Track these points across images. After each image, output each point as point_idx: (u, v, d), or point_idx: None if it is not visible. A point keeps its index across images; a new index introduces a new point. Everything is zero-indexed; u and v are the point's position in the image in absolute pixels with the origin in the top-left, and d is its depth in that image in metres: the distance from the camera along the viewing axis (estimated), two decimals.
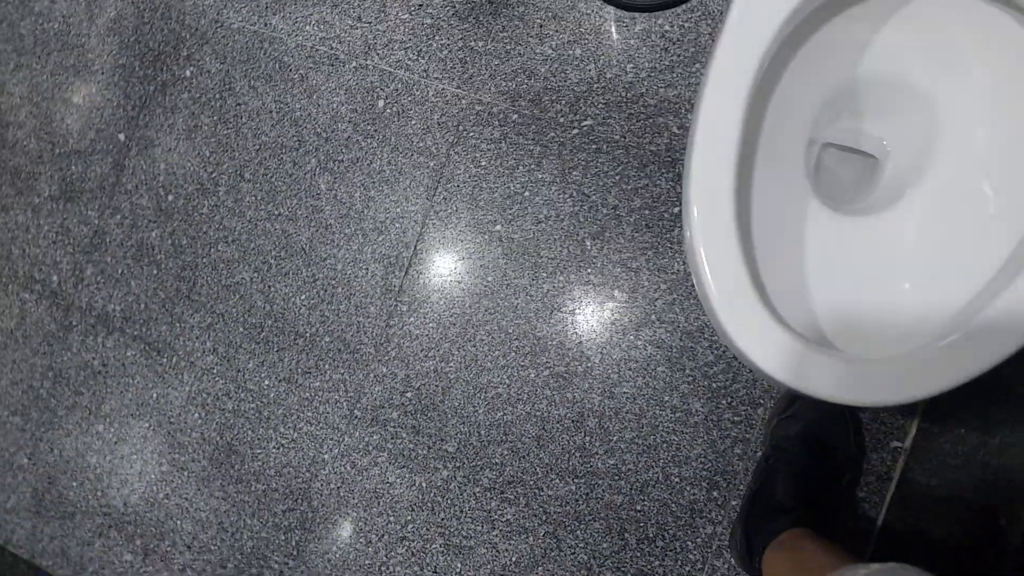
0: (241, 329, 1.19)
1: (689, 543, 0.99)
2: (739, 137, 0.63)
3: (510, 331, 1.08)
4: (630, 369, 1.03)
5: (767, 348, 0.61)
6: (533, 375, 1.07)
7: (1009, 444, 0.78)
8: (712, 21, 1.00)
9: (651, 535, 1.00)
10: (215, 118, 1.21)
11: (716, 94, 0.64)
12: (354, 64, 1.14)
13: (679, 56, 1.02)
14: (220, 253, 1.20)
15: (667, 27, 1.02)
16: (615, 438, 1.02)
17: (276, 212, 1.18)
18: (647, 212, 1.03)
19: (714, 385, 0.99)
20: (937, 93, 0.71)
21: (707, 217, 0.63)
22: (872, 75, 0.73)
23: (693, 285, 0.95)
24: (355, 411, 1.13)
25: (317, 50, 1.16)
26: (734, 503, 0.97)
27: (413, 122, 1.11)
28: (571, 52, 1.06)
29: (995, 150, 0.68)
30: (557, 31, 1.06)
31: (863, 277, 0.71)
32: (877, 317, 0.69)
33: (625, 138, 1.03)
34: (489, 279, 1.09)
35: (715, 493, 0.98)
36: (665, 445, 1.00)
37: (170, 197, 1.23)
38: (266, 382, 1.17)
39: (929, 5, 0.67)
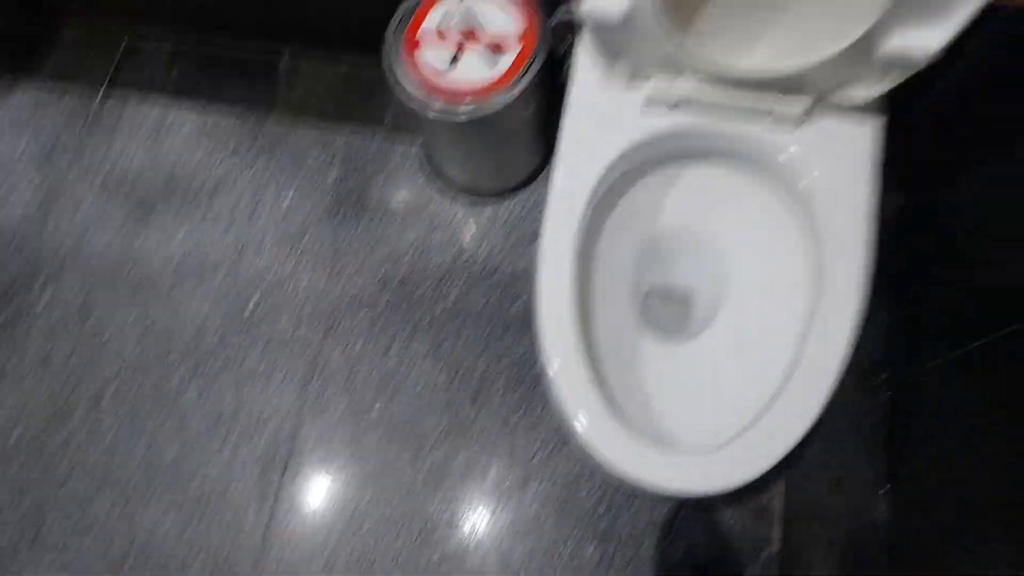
0: (99, 568, 1.07)
1: None
2: (573, 297, 0.74)
3: (398, 515, 1.05)
4: (521, 529, 1.02)
5: (636, 465, 0.67)
6: (426, 558, 1.03)
7: (851, 530, 0.88)
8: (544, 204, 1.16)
9: None
10: (72, 344, 1.19)
11: (548, 264, 0.75)
12: (224, 268, 1.19)
13: (523, 234, 1.16)
14: (74, 487, 1.11)
15: (512, 209, 1.18)
16: None
17: (140, 430, 1.13)
18: (515, 371, 1.09)
19: (601, 527, 1.00)
20: (718, 237, 0.87)
21: (563, 366, 0.71)
22: (669, 230, 0.88)
23: (565, 434, 1.00)
24: None
25: (186, 260, 1.20)
26: None
27: (285, 317, 1.15)
28: (432, 238, 1.17)
29: (767, 275, 0.82)
30: (418, 222, 1.19)
31: (694, 389, 0.81)
32: (707, 419, 0.77)
33: (487, 308, 1.13)
34: (371, 463, 1.08)
35: None
36: None
37: (15, 434, 1.15)
38: None
39: (695, 175, 0.85)
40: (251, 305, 1.17)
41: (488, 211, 1.18)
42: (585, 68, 0.81)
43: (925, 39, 0.63)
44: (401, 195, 1.20)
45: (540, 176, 1.18)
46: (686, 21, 0.73)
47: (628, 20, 0.69)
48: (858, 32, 0.64)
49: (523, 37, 0.96)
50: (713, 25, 0.72)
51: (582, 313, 0.75)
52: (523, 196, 1.18)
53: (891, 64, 0.66)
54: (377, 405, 1.10)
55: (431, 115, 0.95)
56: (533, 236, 1.16)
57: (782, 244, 0.81)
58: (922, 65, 0.65)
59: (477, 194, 1.18)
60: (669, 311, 0.95)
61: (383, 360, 1.12)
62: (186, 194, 1.24)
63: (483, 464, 1.06)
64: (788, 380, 0.69)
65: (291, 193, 1.22)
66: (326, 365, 1.13)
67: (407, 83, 0.96)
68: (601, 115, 0.80)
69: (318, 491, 1.07)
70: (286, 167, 1.24)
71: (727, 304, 0.85)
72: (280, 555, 1.04)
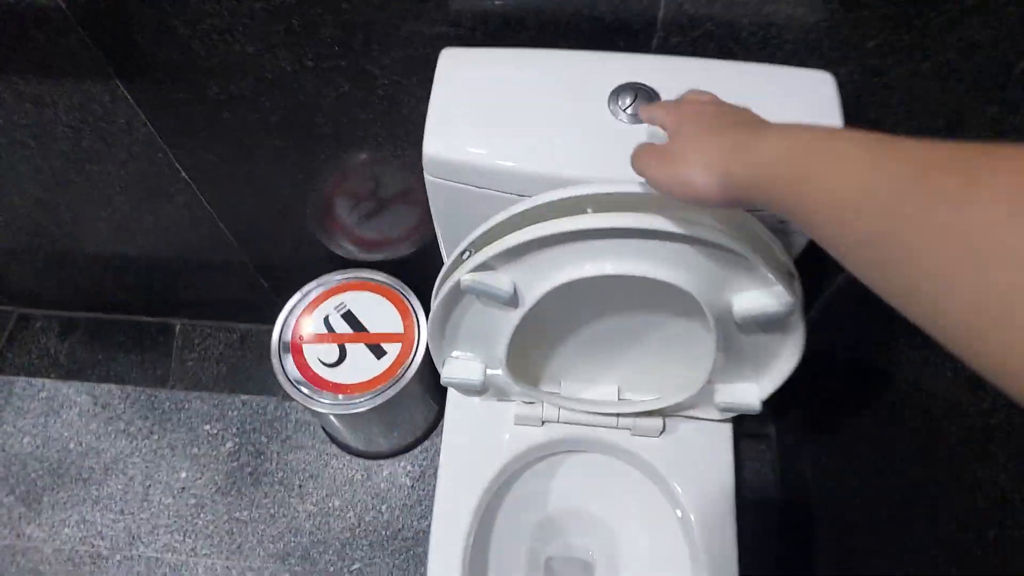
0: None
1: None
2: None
3: None
4: None
5: None
6: None
7: None
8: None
9: None
10: None
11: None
12: (118, 557, 1.16)
13: (424, 490, 1.19)
14: None
15: (409, 467, 1.21)
16: None
17: None
18: None
19: None
20: (607, 517, 0.92)
21: None
22: (560, 509, 0.94)
23: None
24: None
25: (77, 551, 1.16)
26: None
27: None
28: (331, 504, 1.18)
29: (656, 554, 0.88)
30: (316, 488, 1.19)
31: None
32: None
33: (394, 573, 1.13)
34: None
35: None
36: None
37: None
38: None
39: (578, 462, 0.91)
40: None
41: (386, 471, 1.20)
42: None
43: (749, 397, 0.72)
44: (297, 463, 1.21)
45: (435, 431, 1.23)
46: (537, 371, 0.80)
47: (486, 384, 0.76)
48: (693, 390, 0.73)
49: (404, 331, 1.02)
50: (561, 367, 0.80)
51: None
52: (420, 452, 1.22)
53: (727, 410, 0.75)
54: None
55: (319, 409, 0.99)
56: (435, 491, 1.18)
57: (661, 523, 0.87)
58: (755, 412, 0.74)
59: (374, 457, 1.21)
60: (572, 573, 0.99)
61: None
62: (77, 478, 1.21)
63: None
64: None
65: (184, 471, 1.21)
66: None
67: (295, 379, 1.00)
68: (477, 431, 0.85)
69: None
70: (179, 442, 1.23)
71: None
72: None
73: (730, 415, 0.79)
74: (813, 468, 1.06)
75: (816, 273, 0.95)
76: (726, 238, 0.53)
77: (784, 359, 0.68)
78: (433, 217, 0.70)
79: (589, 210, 0.54)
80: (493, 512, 0.89)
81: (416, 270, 1.06)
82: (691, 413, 0.82)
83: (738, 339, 0.66)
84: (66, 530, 1.18)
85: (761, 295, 0.58)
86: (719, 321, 0.62)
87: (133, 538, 1.17)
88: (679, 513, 0.83)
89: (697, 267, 0.57)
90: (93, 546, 1.17)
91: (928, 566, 0.73)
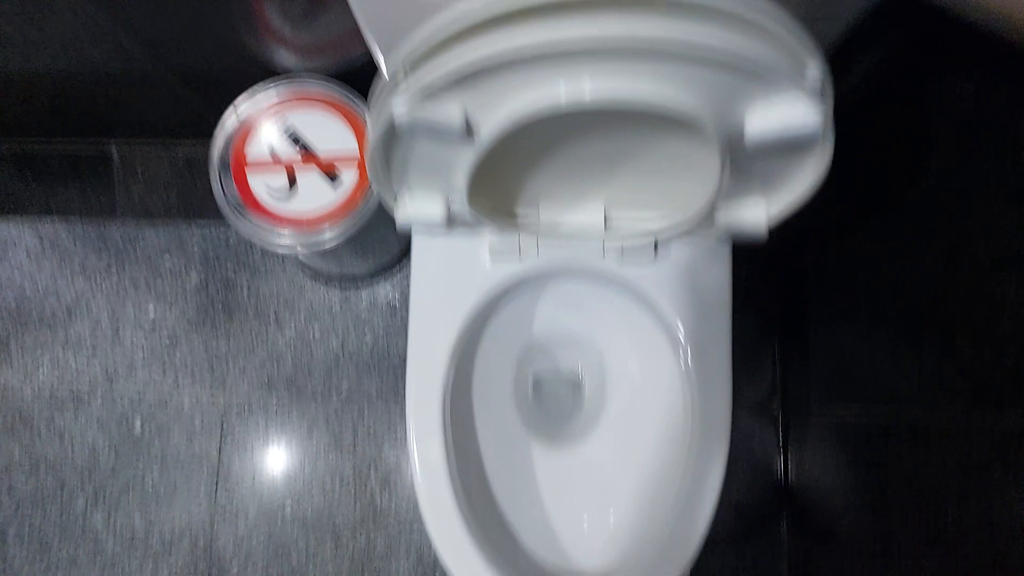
0: None
1: None
2: (443, 414, 0.74)
3: None
4: None
5: None
6: None
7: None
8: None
9: None
10: None
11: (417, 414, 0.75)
12: (100, 396, 1.14)
13: (406, 314, 1.13)
14: None
15: (388, 292, 1.14)
16: None
17: (54, 564, 1.11)
18: None
19: None
20: (594, 339, 0.87)
21: (425, 471, 0.72)
22: (546, 332, 0.88)
23: None
24: None
25: (57, 392, 1.14)
26: None
27: (176, 434, 1.12)
28: (311, 332, 1.14)
29: (646, 377, 0.84)
30: (293, 317, 1.14)
31: (582, 497, 0.84)
32: (600, 530, 0.81)
33: (383, 393, 1.12)
34: (295, 558, 1.10)
35: None
36: None
37: None
38: None
39: (563, 287, 0.84)
40: (138, 426, 1.13)
41: (365, 294, 1.14)
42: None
43: (756, 220, 0.62)
44: (270, 293, 1.15)
45: None
46: (511, 195, 0.69)
47: (450, 220, 0.65)
48: (690, 213, 0.62)
49: (360, 153, 0.89)
50: (538, 189, 0.69)
51: (455, 414, 0.77)
52: (399, 273, 1.15)
53: (727, 233, 0.65)
54: (287, 507, 1.11)
55: (280, 251, 0.90)
56: None
57: (652, 345, 0.82)
58: (759, 238, 0.64)
59: (350, 279, 1.14)
60: (560, 390, 0.97)
61: (286, 460, 1.12)
62: (40, 321, 1.16)
63: (404, 548, 1.09)
64: (679, 480, 0.73)
65: (151, 307, 1.15)
66: (228, 475, 1.12)
67: (246, 215, 0.89)
68: (448, 268, 0.77)
69: None
70: (141, 278, 1.15)
71: (612, 400, 0.87)
72: None
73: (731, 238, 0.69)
74: (813, 268, 0.99)
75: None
76: (745, 42, 0.40)
77: (802, 177, 0.57)
78: (353, 11, 0.54)
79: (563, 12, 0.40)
80: (474, 343, 0.84)
81: (370, 77, 0.90)
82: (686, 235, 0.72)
83: (749, 158, 0.54)
84: (41, 375, 1.15)
85: (782, 111, 0.46)
86: (727, 141, 0.50)
87: (111, 377, 1.14)
88: (671, 337, 0.78)
89: (703, 82, 0.44)
90: (72, 387, 1.14)
91: (935, 382, 0.68)
